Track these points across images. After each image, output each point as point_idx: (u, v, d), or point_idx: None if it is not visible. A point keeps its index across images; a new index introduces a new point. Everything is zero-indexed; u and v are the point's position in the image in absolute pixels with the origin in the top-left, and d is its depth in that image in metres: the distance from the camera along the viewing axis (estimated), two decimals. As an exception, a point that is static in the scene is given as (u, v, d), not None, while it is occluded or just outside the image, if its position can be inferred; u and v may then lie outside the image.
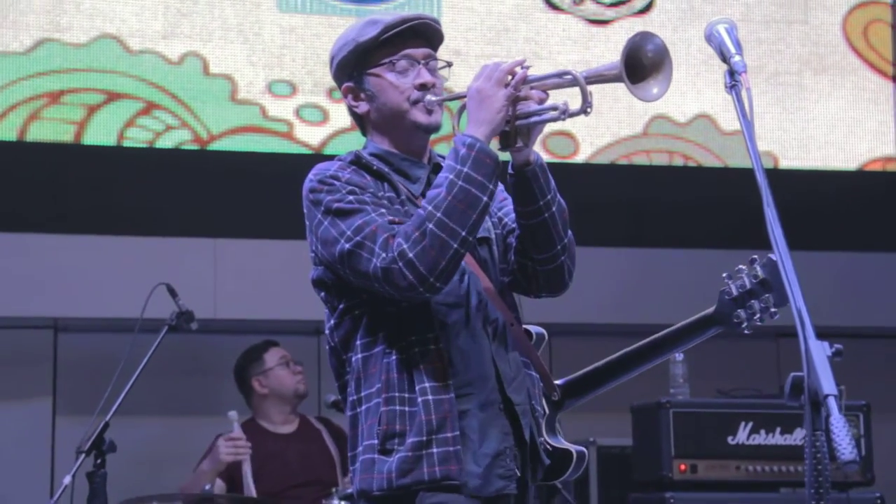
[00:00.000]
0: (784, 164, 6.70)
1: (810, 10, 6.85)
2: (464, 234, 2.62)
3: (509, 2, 6.52)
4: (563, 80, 2.72)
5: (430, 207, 2.64)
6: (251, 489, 5.03)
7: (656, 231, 6.62)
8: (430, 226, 2.61)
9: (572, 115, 2.69)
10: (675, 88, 6.57)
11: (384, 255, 2.63)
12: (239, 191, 6.19)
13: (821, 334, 6.48)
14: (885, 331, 6.68)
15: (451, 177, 2.65)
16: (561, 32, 6.51)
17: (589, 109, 2.68)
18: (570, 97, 2.73)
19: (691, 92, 6.60)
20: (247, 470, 5.07)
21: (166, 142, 6.14)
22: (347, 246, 2.67)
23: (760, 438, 5.20)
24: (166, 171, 6.14)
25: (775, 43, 6.78)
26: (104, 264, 5.98)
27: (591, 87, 2.67)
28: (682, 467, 5.13)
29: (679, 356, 5.37)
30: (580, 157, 6.48)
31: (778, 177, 6.65)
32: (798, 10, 6.82)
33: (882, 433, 5.64)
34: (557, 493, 5.39)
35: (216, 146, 6.18)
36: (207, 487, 4.94)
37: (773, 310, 2.79)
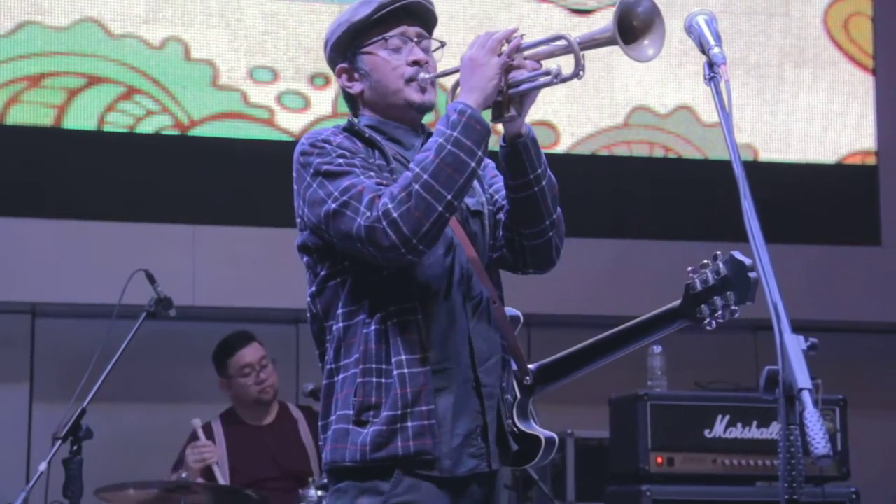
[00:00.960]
0: (764, 156, 6.71)
1: (791, 2, 6.85)
2: (449, 197, 2.62)
3: (492, -9, 6.52)
4: (557, 45, 2.72)
5: (417, 169, 2.64)
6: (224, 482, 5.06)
7: (637, 222, 6.63)
8: (417, 187, 2.61)
9: (565, 79, 2.69)
10: (656, 80, 6.65)
11: (369, 213, 2.62)
12: (219, 177, 6.18)
13: (798, 328, 6.50)
14: (863, 325, 6.70)
15: (441, 140, 2.65)
16: (543, 22, 6.51)
17: (582, 73, 2.68)
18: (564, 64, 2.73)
19: (672, 83, 6.61)
20: (217, 471, 5.08)
21: (147, 127, 6.12)
22: (334, 206, 2.67)
23: (737, 432, 5.20)
24: (147, 156, 6.12)
25: (756, 35, 6.79)
26: (83, 250, 5.96)
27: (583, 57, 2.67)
28: (659, 460, 5.13)
29: (657, 349, 5.37)
30: (561, 148, 6.48)
31: (758, 169, 6.67)
32: (779, 3, 6.83)
33: (858, 428, 5.65)
34: (534, 485, 5.41)
35: (197, 132, 6.16)
36: (184, 475, 4.93)
37: (733, 307, 2.80)
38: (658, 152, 6.65)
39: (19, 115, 5.98)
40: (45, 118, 6.01)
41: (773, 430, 5.20)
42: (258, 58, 6.25)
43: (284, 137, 6.17)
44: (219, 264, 6.07)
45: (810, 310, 6.49)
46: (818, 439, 1.96)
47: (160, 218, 6.07)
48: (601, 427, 5.61)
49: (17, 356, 6.14)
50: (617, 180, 6.61)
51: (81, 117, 6.04)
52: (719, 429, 5.19)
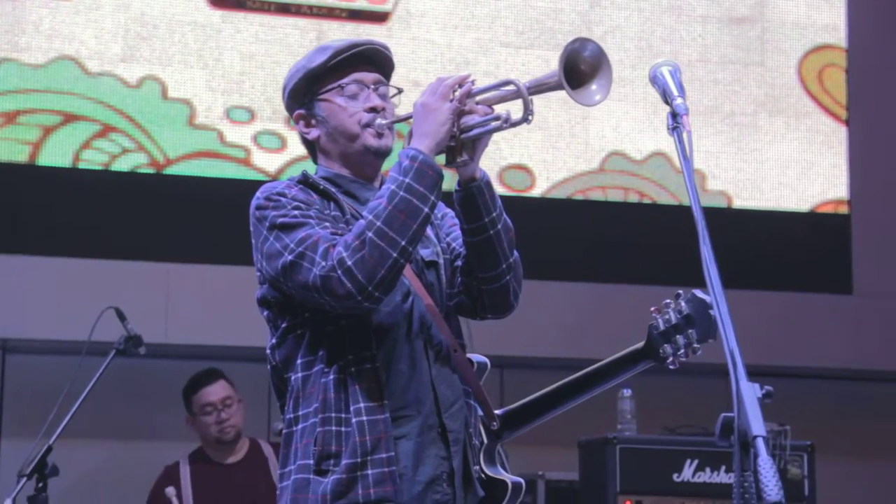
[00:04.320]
0: (738, 203, 6.75)
1: (766, 52, 6.92)
2: (403, 243, 2.63)
3: (469, 35, 6.56)
4: (507, 90, 2.74)
5: (370, 217, 2.65)
6: None
7: (610, 266, 6.65)
8: (370, 234, 2.62)
9: (514, 124, 2.71)
10: (632, 126, 6.70)
11: (324, 263, 2.63)
12: (194, 216, 6.18)
13: (768, 373, 6.53)
14: (832, 371, 6.73)
15: (393, 187, 2.66)
16: (521, 67, 6.55)
17: (530, 118, 2.69)
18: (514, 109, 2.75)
19: (648, 130, 6.65)
20: None
21: (122, 165, 6.13)
22: (290, 258, 2.68)
23: (706, 476, 5.21)
24: (121, 194, 6.12)
25: (731, 84, 6.85)
26: (56, 286, 5.95)
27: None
28: (628, 503, 5.14)
29: (627, 392, 5.39)
30: (536, 191, 6.51)
31: (731, 216, 6.71)
32: (755, 53, 6.90)
33: (827, 474, 5.67)
34: (503, 526, 5.39)
35: (172, 170, 6.18)
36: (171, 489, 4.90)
37: (695, 345, 2.82)
38: (633, 198, 6.68)
39: (-6, 152, 6.00)
40: (19, 155, 6.02)
41: (742, 477, 5.21)
42: (235, 97, 6.27)
43: (260, 177, 6.18)
44: (192, 302, 6.06)
45: (781, 356, 6.52)
46: (771, 486, 1.97)
47: (134, 255, 6.07)
48: (572, 469, 5.61)
49: (-13, 393, 6.13)
50: (592, 224, 6.64)
51: (56, 154, 6.05)
52: (688, 473, 5.21)
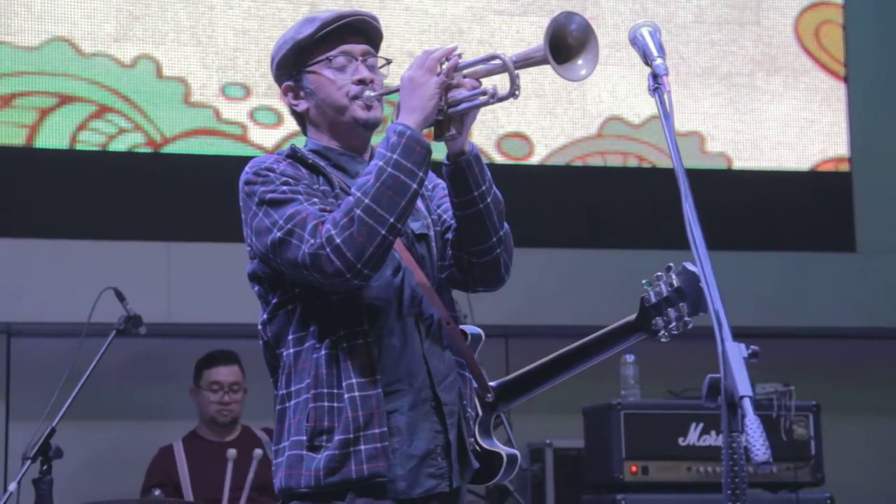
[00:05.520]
0: (738, 165, 6.72)
1: (762, 11, 6.88)
2: (392, 220, 2.62)
3: (463, 4, 6.53)
4: (493, 65, 2.73)
5: (358, 194, 2.64)
6: None
7: (612, 232, 6.63)
8: (358, 212, 2.61)
9: (501, 99, 2.70)
10: (629, 90, 6.67)
11: (312, 241, 2.62)
12: (193, 194, 6.17)
13: (772, 335, 6.53)
14: (838, 331, 6.71)
15: (381, 163, 2.65)
16: (515, 34, 6.52)
17: (517, 92, 2.68)
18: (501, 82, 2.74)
19: (645, 93, 6.56)
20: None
21: (119, 145, 6.12)
22: (279, 234, 2.67)
23: (711, 439, 5.22)
24: (119, 174, 6.12)
25: (728, 44, 6.81)
26: (58, 268, 5.95)
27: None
28: (634, 469, 5.15)
29: (630, 357, 5.39)
30: (535, 159, 6.49)
31: (731, 178, 6.69)
32: (750, 12, 6.86)
33: (834, 434, 5.67)
34: (510, 496, 5.41)
35: (169, 149, 6.17)
36: (157, 493, 4.94)
37: (686, 319, 2.81)
38: (632, 162, 6.66)
39: (-9, 136, 5.99)
40: (16, 138, 6.01)
41: (747, 438, 5.22)
42: (230, 74, 6.25)
43: (258, 153, 6.16)
44: (193, 281, 6.06)
45: (785, 316, 6.51)
46: (758, 446, 1.97)
47: (134, 236, 6.07)
48: (580, 437, 5.62)
49: (-8, 376, 6.14)
50: (592, 191, 6.62)
51: (53, 136, 6.04)
52: (693, 437, 5.22)
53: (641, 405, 5.30)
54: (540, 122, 6.51)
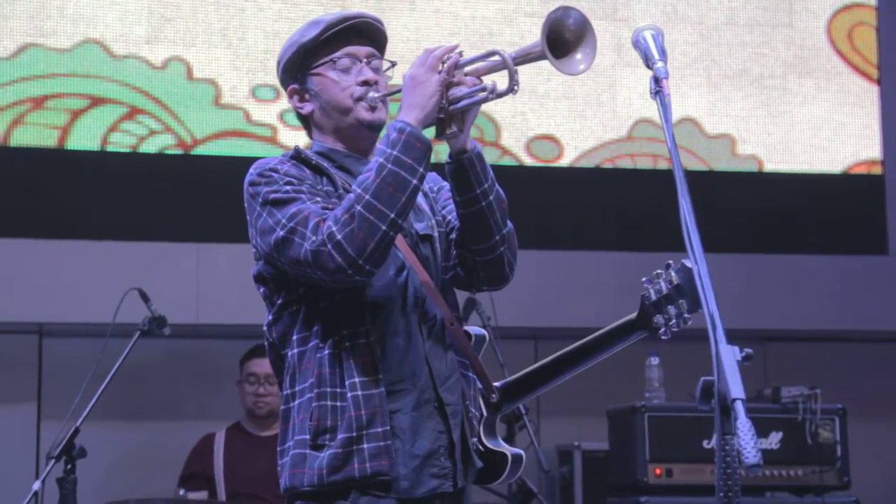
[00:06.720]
0: (769, 167, 6.69)
1: (795, 13, 6.84)
2: (392, 215, 2.63)
3: (493, 6, 6.53)
4: (493, 61, 2.74)
5: (359, 190, 2.65)
6: None
7: (642, 235, 6.61)
8: (359, 208, 2.63)
9: (500, 95, 2.71)
10: (659, 92, 6.63)
11: (314, 238, 2.64)
12: (222, 195, 6.18)
13: (801, 338, 6.43)
14: (869, 334, 6.66)
15: (381, 160, 2.67)
16: (545, 37, 6.51)
17: (516, 88, 2.69)
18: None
19: (675, 95, 6.50)
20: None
21: (150, 146, 6.17)
22: (282, 233, 2.69)
23: (736, 442, 5.18)
24: (150, 175, 6.16)
25: (760, 46, 6.78)
26: (89, 269, 6.00)
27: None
28: (658, 471, 5.14)
29: (654, 360, 5.37)
30: (564, 161, 6.48)
31: (762, 180, 6.66)
32: (782, 14, 6.82)
33: (861, 437, 5.63)
34: (533, 498, 5.40)
35: (200, 151, 6.20)
36: (182, 493, 4.97)
37: (686, 315, 2.81)
38: (662, 165, 6.64)
39: (23, 137, 6.04)
40: (48, 139, 6.06)
41: (773, 441, 5.20)
42: (260, 76, 6.29)
43: (287, 155, 6.19)
44: (223, 282, 6.09)
45: (815, 320, 6.47)
46: (749, 449, 1.97)
47: (164, 237, 6.11)
48: (607, 439, 5.61)
49: (24, 376, 6.18)
50: (622, 193, 6.60)
51: (84, 138, 6.09)
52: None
53: (665, 408, 5.28)
54: (570, 124, 6.50)
